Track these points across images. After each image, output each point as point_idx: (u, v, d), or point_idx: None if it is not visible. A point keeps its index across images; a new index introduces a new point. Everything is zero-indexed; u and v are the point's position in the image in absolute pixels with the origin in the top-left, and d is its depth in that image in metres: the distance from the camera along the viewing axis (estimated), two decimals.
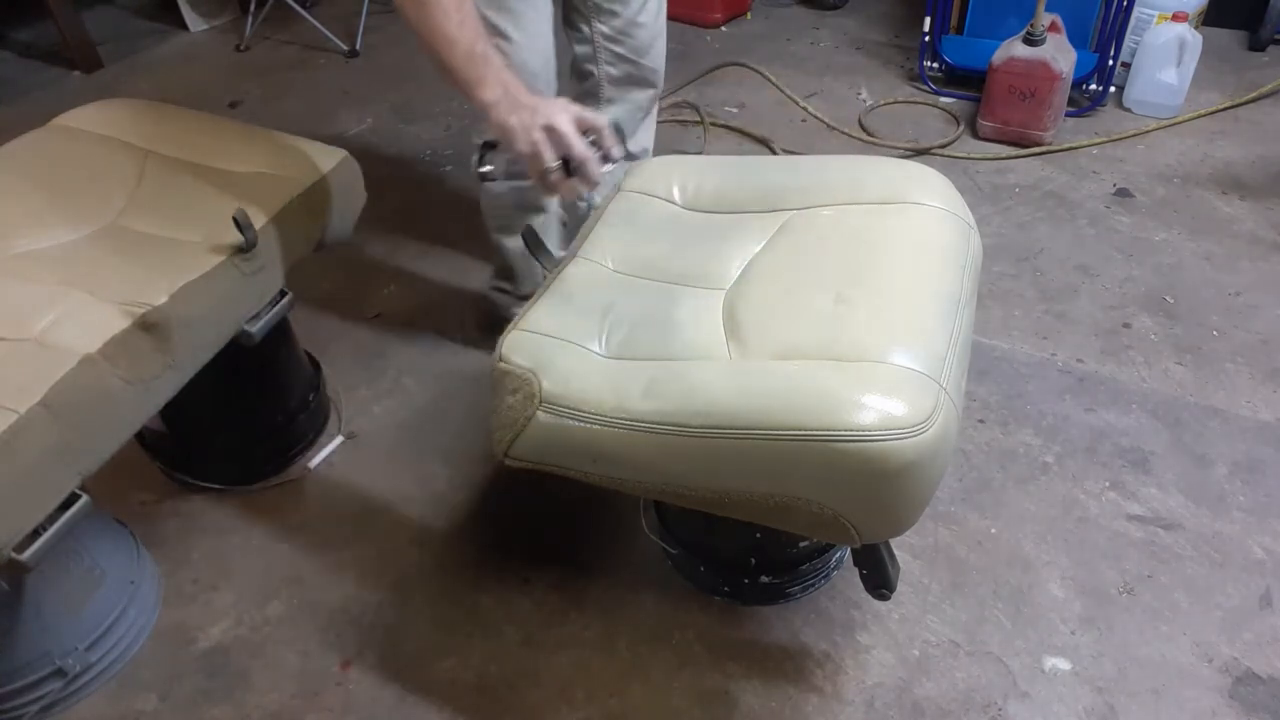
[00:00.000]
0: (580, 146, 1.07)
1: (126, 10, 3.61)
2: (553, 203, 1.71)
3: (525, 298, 1.80)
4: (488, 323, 1.89)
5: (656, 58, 1.64)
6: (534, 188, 1.13)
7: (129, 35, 3.39)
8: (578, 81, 1.69)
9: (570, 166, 1.08)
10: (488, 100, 1.08)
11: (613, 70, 1.62)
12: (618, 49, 1.59)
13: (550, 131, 1.06)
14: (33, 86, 3.09)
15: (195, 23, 3.42)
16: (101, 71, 3.16)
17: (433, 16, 1.07)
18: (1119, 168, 2.33)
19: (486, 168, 1.17)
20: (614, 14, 1.54)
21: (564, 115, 1.07)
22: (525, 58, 1.45)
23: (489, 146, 1.17)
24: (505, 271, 1.80)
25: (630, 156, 1.74)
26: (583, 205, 1.77)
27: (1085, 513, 1.50)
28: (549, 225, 1.71)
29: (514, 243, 1.70)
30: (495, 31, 1.41)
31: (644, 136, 1.75)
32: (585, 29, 1.58)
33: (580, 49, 1.62)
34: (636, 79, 1.64)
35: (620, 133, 1.13)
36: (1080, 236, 2.11)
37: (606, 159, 1.11)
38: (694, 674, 1.32)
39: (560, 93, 1.60)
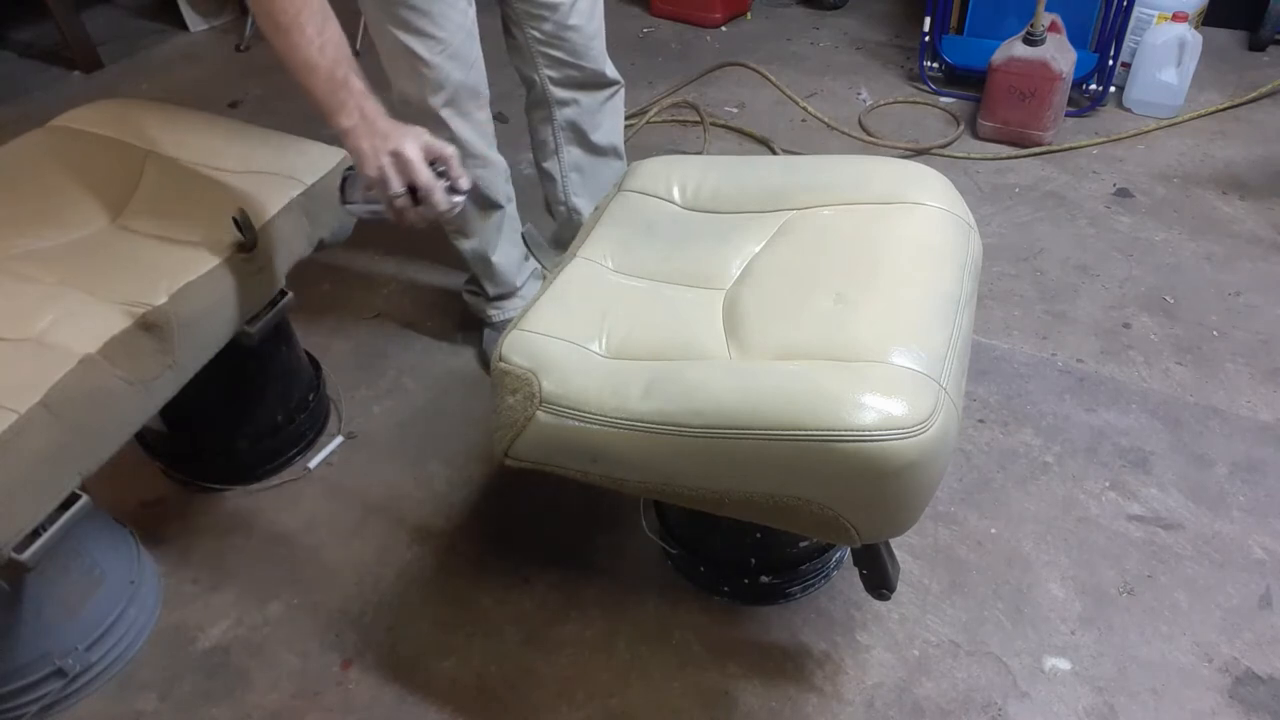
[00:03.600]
0: (425, 175, 1.09)
1: (126, 10, 3.61)
2: (510, 205, 1.72)
3: (495, 299, 1.81)
4: (464, 322, 1.92)
5: (595, 58, 1.62)
6: (387, 214, 1.15)
7: (129, 35, 3.39)
8: (526, 90, 1.69)
9: (418, 194, 1.10)
10: (345, 126, 1.09)
11: (554, 74, 1.61)
12: (553, 53, 1.58)
13: (396, 158, 1.08)
14: (33, 86, 3.09)
15: (195, 23, 3.42)
16: (101, 71, 3.16)
17: (293, 42, 1.07)
18: (1119, 168, 2.33)
19: (348, 193, 1.19)
20: (543, 18, 1.53)
21: (412, 143, 1.08)
22: (450, 69, 1.45)
23: (352, 171, 1.18)
24: (473, 274, 1.81)
25: (597, 150, 1.74)
26: (562, 209, 1.76)
27: (1085, 513, 1.50)
28: (503, 225, 1.71)
29: (467, 245, 1.71)
30: (413, 56, 1.41)
31: (609, 129, 1.74)
32: (518, 35, 1.58)
33: (516, 57, 1.62)
34: (581, 81, 1.64)
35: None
36: (1080, 236, 2.11)
37: (454, 190, 1.11)
38: (694, 674, 1.32)
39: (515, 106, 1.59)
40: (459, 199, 1.13)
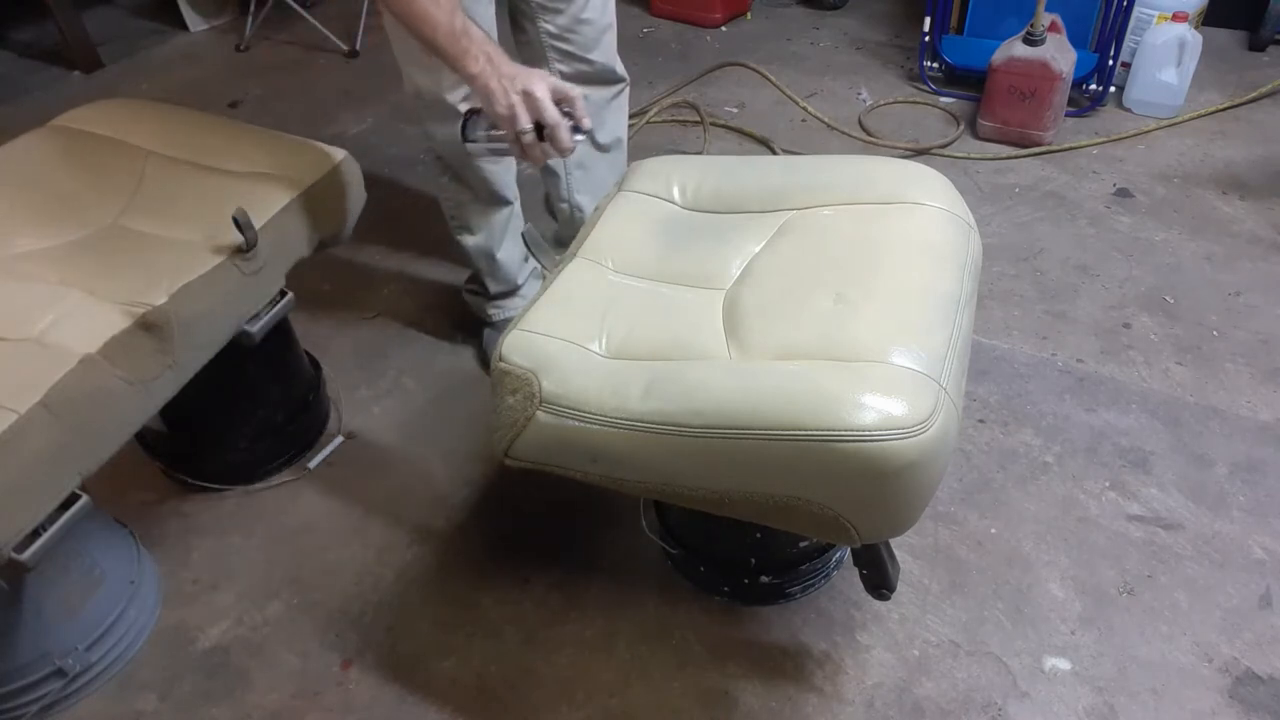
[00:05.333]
0: (553, 113, 1.15)
1: (126, 10, 3.61)
2: (516, 204, 1.72)
3: (496, 298, 1.81)
4: (464, 322, 1.92)
5: (605, 53, 1.62)
6: (511, 151, 1.22)
7: (129, 35, 3.38)
8: None
9: (543, 132, 1.16)
10: (473, 71, 1.16)
11: (564, 69, 1.60)
12: (564, 47, 1.57)
13: (527, 97, 1.15)
14: (33, 86, 3.09)
15: (195, 23, 3.42)
16: (101, 71, 3.16)
17: (414, 1, 1.14)
18: (1119, 168, 2.33)
19: (470, 131, 1.26)
20: (558, 11, 1.53)
21: (541, 83, 1.15)
22: None
23: (473, 113, 1.25)
24: (474, 272, 1.81)
25: (601, 147, 1.74)
26: (565, 207, 1.78)
27: (1085, 513, 1.50)
28: (509, 221, 1.72)
29: (471, 241, 1.72)
30: None
31: (614, 126, 1.75)
32: (530, 29, 1.57)
33: (526, 52, 1.62)
34: (589, 76, 1.63)
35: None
36: (1080, 236, 2.11)
37: (578, 129, 1.18)
38: (694, 674, 1.32)
39: None
40: (580, 138, 1.20)
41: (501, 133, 1.19)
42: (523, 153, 1.19)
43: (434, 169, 1.66)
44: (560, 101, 1.16)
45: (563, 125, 1.16)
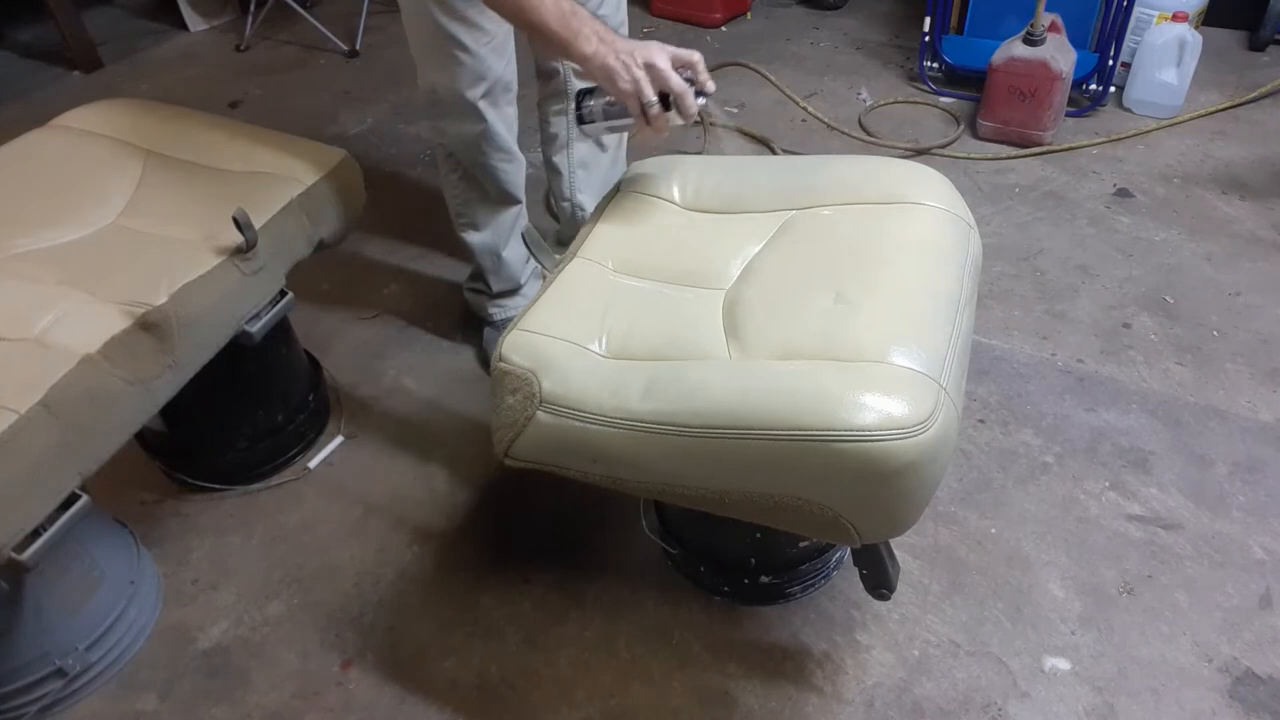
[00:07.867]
0: (678, 81, 1.13)
1: (126, 10, 3.61)
2: (523, 203, 1.72)
3: (498, 296, 1.81)
4: (465, 321, 1.92)
5: None
6: (633, 125, 1.19)
7: (129, 35, 3.39)
8: (543, 82, 1.68)
9: (668, 101, 1.14)
10: (587, 52, 1.13)
11: (577, 66, 1.61)
12: None
13: (650, 69, 1.12)
14: (33, 86, 3.09)
15: (195, 23, 3.42)
16: (101, 71, 3.16)
17: None
18: (1119, 168, 2.33)
19: (586, 112, 1.24)
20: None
21: (661, 54, 1.13)
22: (492, 61, 1.47)
23: (585, 94, 1.24)
24: (477, 270, 1.81)
25: (602, 147, 1.75)
26: (566, 206, 1.78)
27: (1085, 513, 1.50)
28: (518, 220, 1.72)
29: (477, 238, 1.71)
30: (456, 44, 1.43)
31: None
32: None
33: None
34: None
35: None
36: (1080, 236, 2.11)
37: (700, 93, 1.16)
38: (694, 674, 1.32)
39: (527, 95, 1.61)
40: (702, 101, 1.17)
41: (619, 107, 1.18)
42: (649, 124, 1.16)
43: (443, 166, 1.66)
44: (681, 67, 1.15)
45: (689, 92, 1.14)
